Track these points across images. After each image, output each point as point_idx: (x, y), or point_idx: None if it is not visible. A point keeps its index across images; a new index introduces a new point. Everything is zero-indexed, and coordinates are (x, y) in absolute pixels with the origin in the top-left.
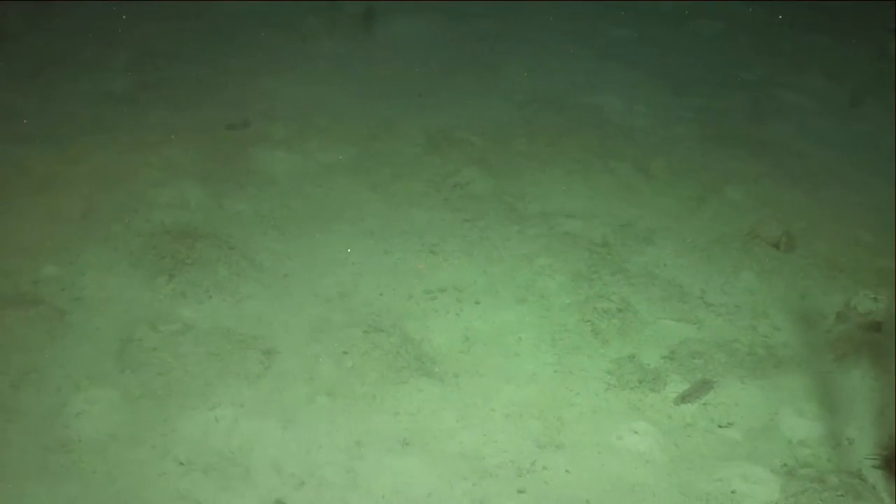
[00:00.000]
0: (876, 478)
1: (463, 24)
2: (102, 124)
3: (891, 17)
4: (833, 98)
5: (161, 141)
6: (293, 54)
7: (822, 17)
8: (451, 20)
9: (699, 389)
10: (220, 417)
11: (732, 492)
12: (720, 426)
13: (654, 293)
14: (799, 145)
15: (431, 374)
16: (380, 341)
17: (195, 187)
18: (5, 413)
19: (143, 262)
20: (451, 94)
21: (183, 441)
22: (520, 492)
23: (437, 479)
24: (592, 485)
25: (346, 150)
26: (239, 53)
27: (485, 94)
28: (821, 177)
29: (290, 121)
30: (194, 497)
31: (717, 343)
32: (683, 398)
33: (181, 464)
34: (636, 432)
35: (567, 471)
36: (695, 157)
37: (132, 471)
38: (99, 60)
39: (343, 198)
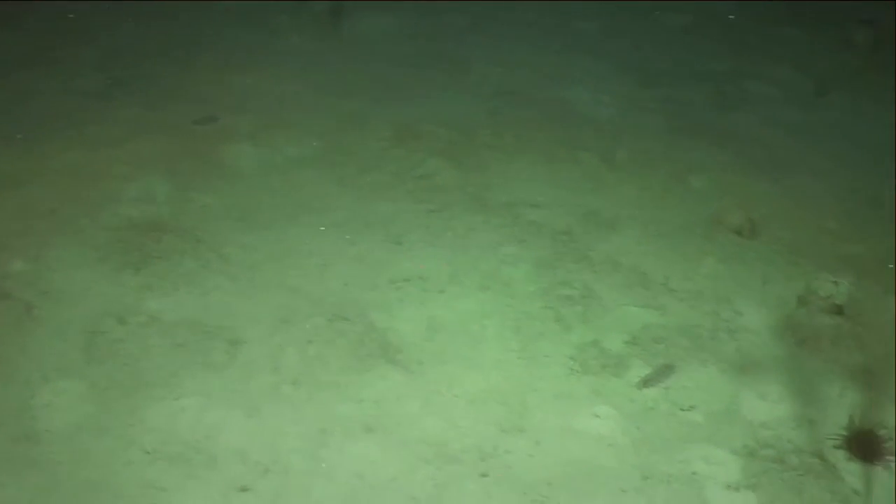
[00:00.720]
0: (836, 458)
1: (431, 19)
2: (71, 121)
3: (857, 7)
4: (799, 88)
5: (129, 137)
6: (262, 51)
7: (787, 8)
8: (419, 15)
9: (661, 374)
10: (185, 407)
11: (693, 473)
12: (682, 409)
13: (617, 280)
14: (764, 134)
15: (395, 362)
16: (344, 330)
17: (163, 182)
18: None
19: (110, 255)
20: (418, 87)
21: (149, 431)
22: (482, 475)
23: (401, 464)
24: (555, 468)
25: (313, 143)
26: (208, 51)
27: (452, 87)
28: (785, 165)
29: (258, 116)
30: (161, 485)
31: (679, 328)
32: (646, 382)
33: (147, 453)
34: (598, 416)
35: (530, 454)
36: (660, 147)
37: (99, 461)
38: (69, 58)
39: (309, 191)
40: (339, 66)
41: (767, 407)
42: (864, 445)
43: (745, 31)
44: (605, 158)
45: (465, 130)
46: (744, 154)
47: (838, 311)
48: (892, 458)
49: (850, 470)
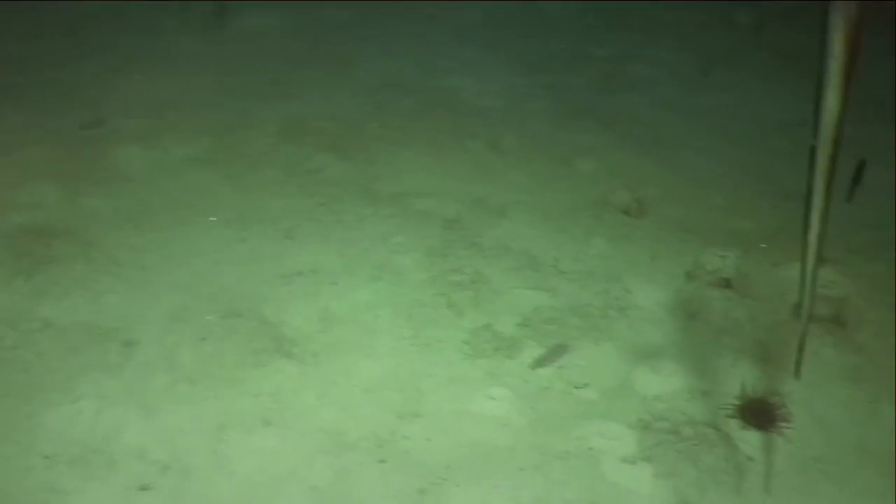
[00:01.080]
0: (730, 427)
1: (315, 15)
2: None
3: None
4: (683, 69)
5: (15, 143)
6: (147, 52)
7: None
8: (303, 12)
9: (554, 353)
10: (82, 410)
11: (590, 449)
12: (576, 387)
13: (507, 264)
14: (650, 115)
15: (290, 355)
16: (238, 326)
17: (51, 187)
18: None
19: (1, 263)
20: (305, 83)
21: (47, 435)
22: (381, 462)
23: (300, 455)
24: (452, 451)
25: (201, 143)
26: (92, 53)
27: (338, 81)
28: (672, 145)
29: (145, 117)
30: (61, 488)
31: (570, 308)
32: (539, 363)
33: (46, 457)
34: (493, 398)
35: (427, 439)
36: (546, 132)
37: None
38: None
39: (199, 190)
40: (225, 65)
41: (660, 381)
42: (756, 414)
43: (629, 16)
44: (493, 146)
45: (353, 124)
46: (630, 135)
47: (727, 284)
48: (785, 425)
49: (745, 438)
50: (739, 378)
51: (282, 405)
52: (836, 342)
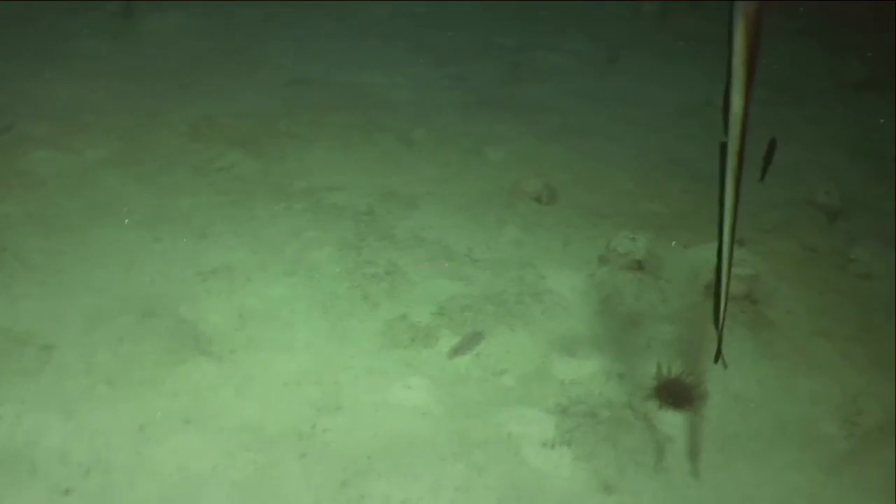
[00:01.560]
0: (647, 408)
1: (224, 14)
2: None
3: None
4: (591, 57)
5: None
6: (55, 55)
7: None
8: (211, 12)
9: (470, 341)
10: (2, 415)
11: (509, 434)
12: (493, 374)
13: (421, 255)
14: (559, 103)
15: (208, 353)
16: (155, 326)
17: None
18: None
19: None
20: (214, 82)
21: None
22: (302, 455)
23: (221, 452)
24: (373, 441)
25: (112, 144)
26: None
27: (247, 79)
28: (581, 131)
29: (55, 120)
30: None
31: (485, 296)
32: (456, 351)
33: None
34: (411, 388)
35: (347, 431)
36: (456, 123)
37: None
38: None
39: (111, 191)
40: (133, 66)
41: (577, 365)
42: (673, 394)
43: (536, 6)
44: (403, 138)
45: (263, 121)
46: (539, 124)
47: (639, 266)
48: (701, 403)
49: (663, 419)
50: (655, 359)
51: (201, 403)
52: (749, 320)
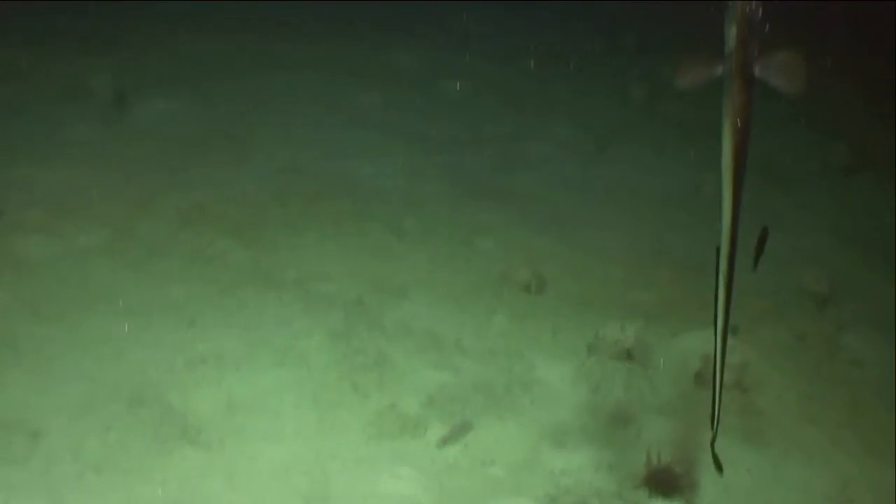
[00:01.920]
0: (637, 497)
1: (214, 101)
2: None
3: (632, 64)
4: (579, 146)
5: None
6: (47, 141)
7: (565, 69)
8: (202, 99)
9: (459, 431)
10: None
11: None
12: (483, 464)
13: (410, 345)
14: (548, 192)
15: (196, 442)
16: (143, 415)
17: None
18: None
19: None
20: (205, 170)
21: None
22: None
23: None
24: None
25: (103, 231)
26: None
27: (238, 166)
28: (570, 220)
29: (46, 207)
30: None
31: (474, 386)
32: (445, 441)
33: None
34: (400, 477)
35: None
36: (445, 212)
37: None
38: None
39: (101, 278)
40: (125, 153)
41: (566, 455)
42: (662, 483)
43: (526, 95)
44: (393, 228)
45: (253, 209)
46: (528, 213)
47: (627, 355)
48: (692, 493)
49: None
50: (645, 448)
51: (189, 493)
52: (739, 408)
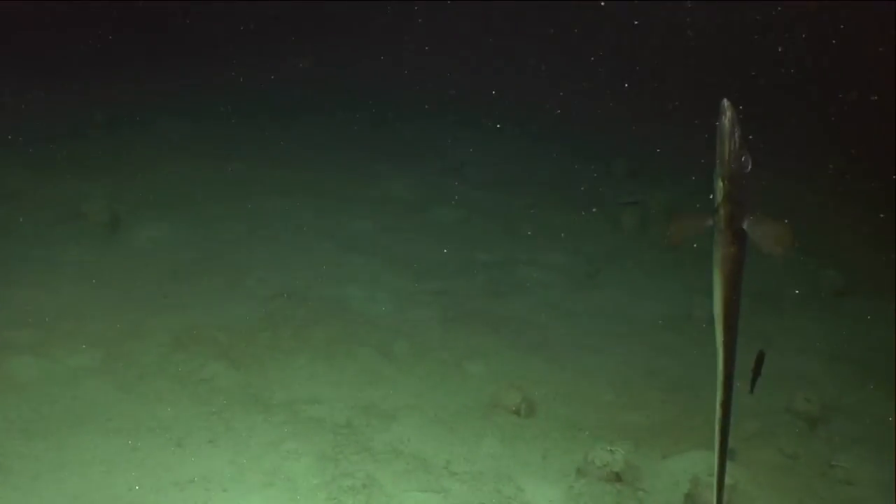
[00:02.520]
0: None
1: (209, 227)
2: None
3: (623, 190)
4: (571, 271)
5: None
6: (40, 264)
7: (558, 196)
8: (196, 224)
9: None
10: None
11: None
12: None
13: (398, 467)
14: (538, 317)
15: None
16: None
17: None
18: None
19: None
20: (197, 294)
21: None
22: None
23: None
24: None
25: (94, 353)
26: None
27: (230, 291)
28: (561, 345)
29: (37, 328)
30: None
31: None
32: None
33: None
34: None
35: None
36: (436, 337)
37: None
38: None
39: (91, 399)
40: (118, 276)
41: None
42: None
43: (517, 221)
44: (383, 352)
45: (244, 333)
46: (519, 338)
47: (617, 478)
48: None
49: None
50: None
51: None
52: None
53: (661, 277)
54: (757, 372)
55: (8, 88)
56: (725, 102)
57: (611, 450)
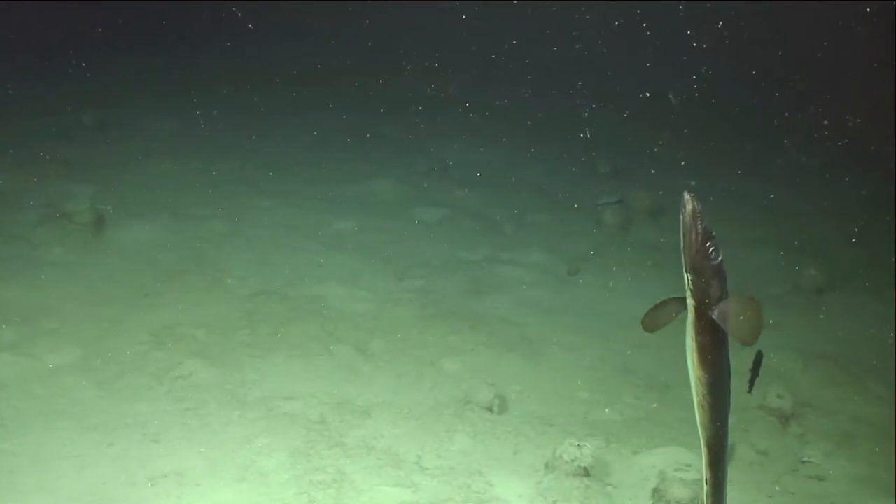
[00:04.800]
0: None
1: (192, 226)
2: None
3: (606, 190)
4: (552, 270)
5: None
6: (23, 263)
7: (541, 195)
8: (180, 223)
9: None
10: None
11: None
12: None
13: (370, 462)
14: (517, 315)
15: None
16: None
17: None
18: None
19: None
20: (178, 292)
21: None
22: None
23: None
24: None
25: (74, 350)
26: None
27: (210, 290)
28: (538, 342)
29: (19, 326)
30: None
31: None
32: None
33: None
34: None
35: None
36: (414, 335)
37: None
38: None
39: (69, 396)
40: (100, 275)
41: None
42: None
43: (501, 221)
44: (360, 349)
45: (223, 331)
46: (496, 335)
47: (585, 473)
48: None
49: None
50: None
51: None
52: None
53: (641, 276)
54: (755, 372)
55: None
56: (687, 195)
57: (578, 445)
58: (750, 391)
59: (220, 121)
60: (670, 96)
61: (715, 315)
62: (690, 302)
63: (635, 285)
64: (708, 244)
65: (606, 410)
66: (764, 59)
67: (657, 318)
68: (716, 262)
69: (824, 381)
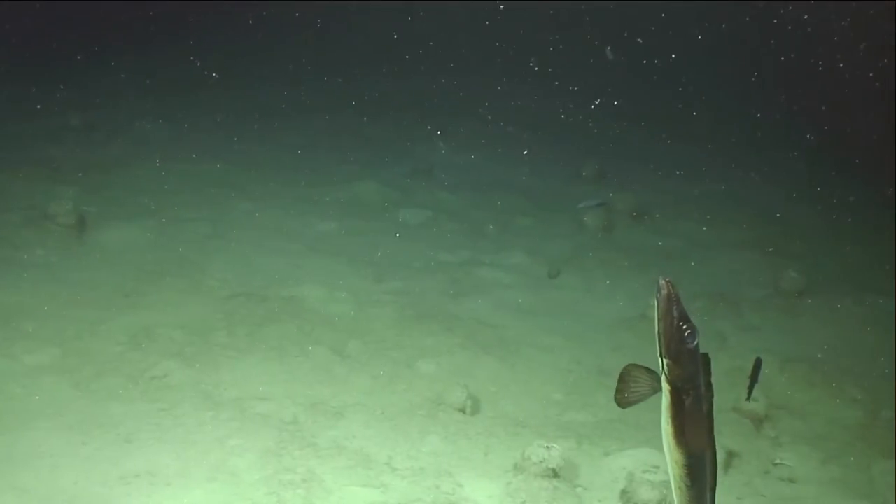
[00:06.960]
0: None
1: (174, 228)
2: None
3: (588, 192)
4: (532, 272)
5: None
6: (4, 264)
7: (524, 198)
8: (163, 225)
9: None
10: None
11: None
12: None
13: (340, 463)
14: (495, 317)
15: None
16: None
17: None
18: None
19: None
20: (157, 294)
21: None
22: None
23: None
24: None
25: (51, 351)
26: None
27: (189, 291)
28: (515, 344)
29: None
30: None
31: None
32: None
33: None
34: None
35: None
36: (390, 337)
37: None
38: None
39: (45, 396)
40: (81, 277)
41: None
42: None
43: (483, 223)
44: (337, 351)
45: (200, 332)
46: (472, 337)
47: (554, 474)
48: None
49: None
50: None
51: None
52: None
53: (621, 278)
54: (754, 378)
55: None
56: (662, 281)
57: (547, 447)
58: (748, 399)
59: (206, 123)
60: (608, 50)
61: (690, 401)
62: (666, 386)
63: (615, 287)
64: (685, 328)
65: (580, 412)
66: (754, 61)
67: (631, 396)
68: (692, 346)
69: (800, 384)
